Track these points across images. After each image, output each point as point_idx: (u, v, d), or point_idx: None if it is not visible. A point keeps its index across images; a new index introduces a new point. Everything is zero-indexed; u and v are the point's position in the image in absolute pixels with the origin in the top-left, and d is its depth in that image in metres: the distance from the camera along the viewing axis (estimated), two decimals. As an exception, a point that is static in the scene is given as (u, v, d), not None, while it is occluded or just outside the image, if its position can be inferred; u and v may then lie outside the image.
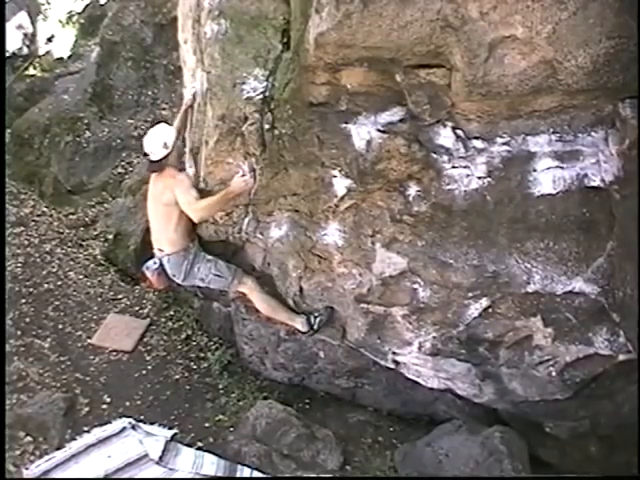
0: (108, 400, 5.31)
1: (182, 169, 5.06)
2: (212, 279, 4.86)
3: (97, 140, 9.15)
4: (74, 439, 4.79)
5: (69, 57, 11.96)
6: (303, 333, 4.88)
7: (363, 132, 4.04)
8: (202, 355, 6.09)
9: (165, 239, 4.82)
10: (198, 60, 4.70)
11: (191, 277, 4.88)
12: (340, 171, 4.19)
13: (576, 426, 4.50)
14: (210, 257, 4.87)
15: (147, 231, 7.19)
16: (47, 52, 12.70)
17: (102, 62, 9.79)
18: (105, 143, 9.15)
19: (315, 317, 4.76)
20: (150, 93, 9.77)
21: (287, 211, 4.53)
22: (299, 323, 4.83)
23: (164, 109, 9.56)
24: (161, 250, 4.88)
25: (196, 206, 4.55)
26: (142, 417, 5.13)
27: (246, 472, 4.52)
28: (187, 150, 5.12)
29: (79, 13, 13.33)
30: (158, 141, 4.76)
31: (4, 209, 7.44)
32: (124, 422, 4.92)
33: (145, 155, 4.91)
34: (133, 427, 4.88)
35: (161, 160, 4.77)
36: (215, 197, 4.50)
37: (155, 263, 4.95)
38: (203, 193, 4.73)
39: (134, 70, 9.79)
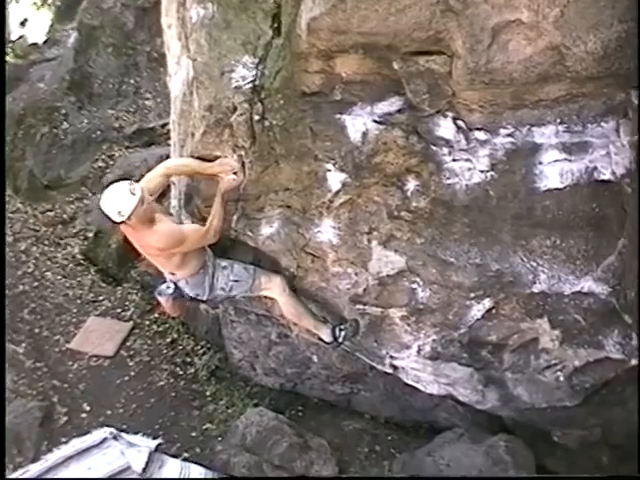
0: (88, 409, 5.31)
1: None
2: (232, 286, 4.63)
3: (75, 132, 9.14)
4: (51, 451, 4.76)
5: (44, 42, 11.89)
6: (327, 343, 4.75)
7: (359, 123, 4.01)
8: (188, 360, 6.10)
9: (177, 270, 4.51)
10: (183, 46, 4.66)
11: (214, 290, 4.66)
12: (334, 165, 4.17)
13: (586, 435, 4.51)
14: (225, 263, 4.65)
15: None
16: (20, 37, 12.65)
17: (80, 48, 9.77)
18: (84, 135, 9.14)
19: (341, 330, 4.63)
20: (132, 82, 9.76)
21: (278, 207, 4.51)
22: (324, 333, 4.68)
23: (147, 99, 9.57)
24: (173, 274, 4.58)
25: (206, 234, 4.30)
26: (124, 426, 5.13)
27: (235, 484, 4.52)
28: (172, 143, 5.09)
29: (55, -5, 13.28)
30: (113, 208, 4.01)
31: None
32: (105, 432, 4.88)
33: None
34: (114, 437, 4.84)
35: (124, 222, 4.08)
36: (213, 210, 4.28)
37: (169, 287, 4.66)
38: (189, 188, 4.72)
39: (115, 57, 9.77)
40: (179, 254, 4.35)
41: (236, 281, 4.61)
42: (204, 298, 4.74)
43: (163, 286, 4.70)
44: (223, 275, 4.60)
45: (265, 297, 4.81)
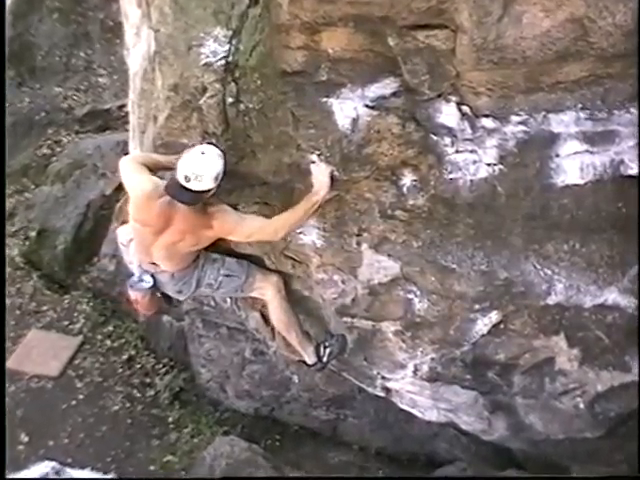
0: (26, 439, 5.28)
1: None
2: (223, 281, 4.56)
3: (15, 112, 9.06)
4: (-19, 490, 4.72)
5: (-26, 5, 11.79)
6: (309, 366, 4.76)
7: (348, 108, 3.99)
8: (148, 381, 6.09)
9: (175, 263, 4.42)
10: (144, 15, 4.63)
11: (200, 286, 4.58)
12: (319, 155, 4.16)
13: (610, 472, 4.54)
14: (215, 255, 4.58)
15: (80, 227, 7.21)
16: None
17: (19, 12, 9.65)
18: (26, 116, 9.08)
19: (325, 347, 4.63)
20: (83, 54, 9.70)
21: (254, 204, 4.49)
22: (308, 353, 4.69)
23: (101, 75, 9.51)
24: (156, 265, 4.44)
25: (268, 227, 4.17)
26: (70, 460, 5.10)
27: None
28: (130, 128, 5.05)
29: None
30: (213, 171, 4.00)
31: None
32: (46, 467, 4.86)
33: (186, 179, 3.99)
34: (57, 473, 4.82)
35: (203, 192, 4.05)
36: (295, 208, 4.16)
37: (142, 280, 4.52)
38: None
39: (62, 24, 9.69)
40: (193, 251, 4.34)
41: (227, 276, 4.55)
42: (186, 296, 4.69)
43: (135, 278, 4.55)
44: (213, 269, 4.53)
45: (238, 309, 4.79)
